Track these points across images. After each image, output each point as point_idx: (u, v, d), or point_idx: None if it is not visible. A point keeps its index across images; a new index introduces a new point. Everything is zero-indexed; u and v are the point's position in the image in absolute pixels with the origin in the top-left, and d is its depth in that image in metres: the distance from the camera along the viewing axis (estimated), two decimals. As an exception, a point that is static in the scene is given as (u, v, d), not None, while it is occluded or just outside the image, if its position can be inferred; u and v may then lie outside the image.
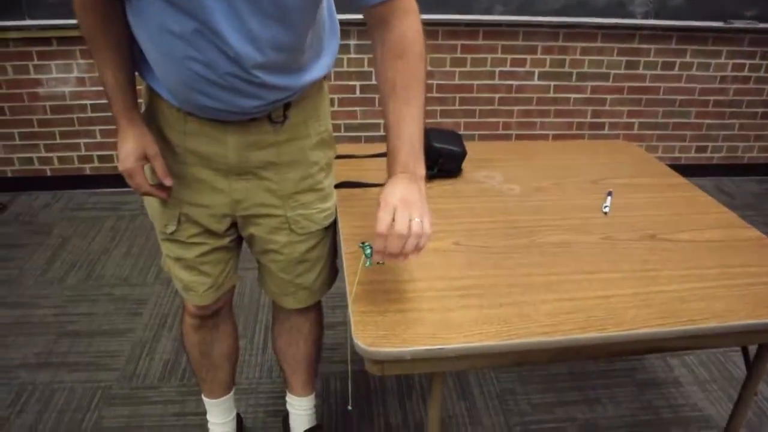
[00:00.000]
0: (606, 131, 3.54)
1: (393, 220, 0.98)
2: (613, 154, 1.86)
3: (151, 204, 1.31)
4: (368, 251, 1.05)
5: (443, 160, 1.55)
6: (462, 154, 1.57)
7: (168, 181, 1.20)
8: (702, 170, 3.67)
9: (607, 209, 1.47)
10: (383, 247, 0.98)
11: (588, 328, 1.05)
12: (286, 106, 1.19)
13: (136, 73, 1.19)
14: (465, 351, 1.00)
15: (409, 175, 1.06)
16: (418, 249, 0.99)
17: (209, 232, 1.31)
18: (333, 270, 1.48)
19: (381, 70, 1.11)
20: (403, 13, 1.08)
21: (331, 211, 1.36)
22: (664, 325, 1.07)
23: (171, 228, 1.30)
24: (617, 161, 1.79)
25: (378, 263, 1.07)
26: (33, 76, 3.07)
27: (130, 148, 1.17)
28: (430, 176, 1.56)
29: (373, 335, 1.00)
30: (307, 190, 1.29)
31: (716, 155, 3.70)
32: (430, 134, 1.59)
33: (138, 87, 1.19)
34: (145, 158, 1.19)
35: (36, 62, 3.04)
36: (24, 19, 2.85)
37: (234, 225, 1.33)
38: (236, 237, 1.38)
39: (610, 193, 1.54)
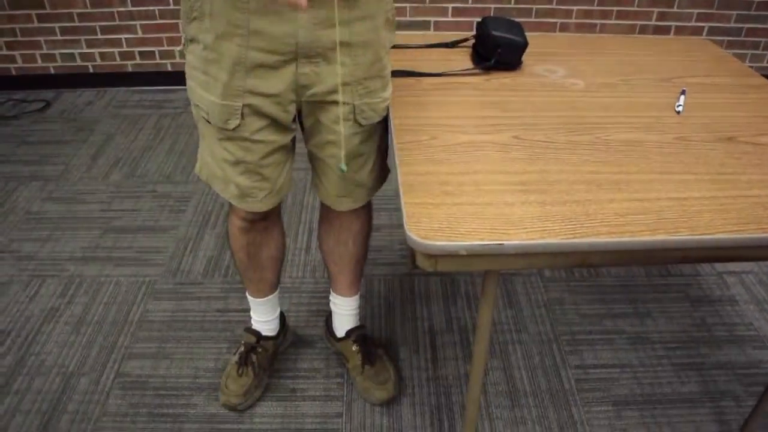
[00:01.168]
0: (671, 36, 3.29)
1: None
2: (687, 51, 1.70)
3: (207, 98, 1.18)
4: None
5: (502, 50, 1.43)
6: (523, 45, 1.44)
7: None
8: (774, 81, 3.43)
9: (680, 108, 1.35)
10: None
11: (658, 231, 0.96)
12: None
13: None
14: (526, 248, 0.92)
15: None
16: None
17: (275, 125, 1.21)
18: (384, 165, 1.40)
19: None
20: None
21: (389, 101, 1.28)
22: (744, 232, 0.97)
23: (234, 122, 1.17)
24: (691, 59, 1.63)
25: None
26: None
27: None
28: (488, 67, 1.45)
29: (427, 228, 0.93)
30: (375, 75, 1.20)
31: (791, 65, 3.43)
32: (488, 22, 1.46)
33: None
34: None
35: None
36: None
37: (297, 115, 1.24)
38: (294, 135, 1.29)
39: (683, 92, 1.41)
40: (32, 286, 1.98)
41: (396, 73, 1.38)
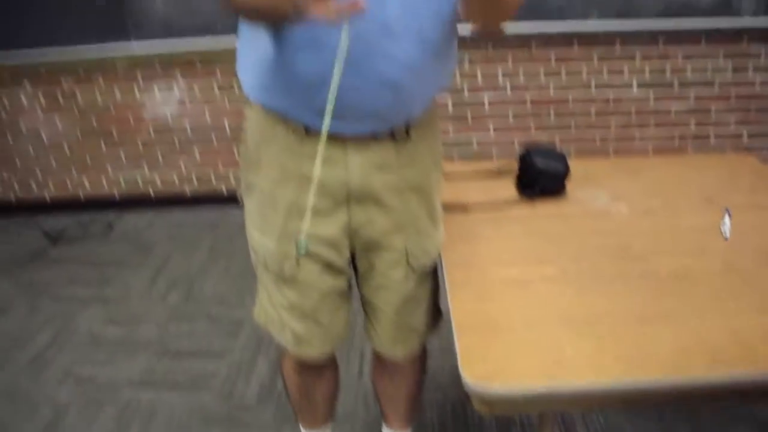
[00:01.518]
0: (712, 142, 3.33)
1: None
2: (727, 168, 1.72)
3: (264, 243, 1.21)
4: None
5: (545, 179, 1.48)
6: (565, 173, 1.50)
7: None
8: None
9: (726, 232, 1.35)
10: None
11: (716, 363, 0.95)
12: (407, 126, 1.13)
13: (247, 97, 1.15)
14: (582, 392, 0.93)
15: None
16: None
17: (330, 269, 1.22)
18: (437, 309, 1.40)
19: None
20: None
21: (441, 240, 1.29)
22: (806, 364, 0.96)
23: (289, 266, 1.19)
24: (732, 176, 1.65)
25: None
26: (138, 98, 3.22)
27: None
28: (532, 195, 1.50)
29: (481, 371, 0.95)
30: (425, 216, 1.22)
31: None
32: (531, 153, 1.53)
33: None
34: None
35: (141, 85, 3.19)
36: (129, 39, 2.97)
37: (352, 259, 1.26)
38: (350, 281, 1.30)
39: (728, 213, 1.42)
40: (90, 411, 2.03)
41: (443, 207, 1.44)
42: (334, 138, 1.05)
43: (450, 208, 1.46)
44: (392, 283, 1.26)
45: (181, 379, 2.16)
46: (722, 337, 1.02)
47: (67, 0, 2.90)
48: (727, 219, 1.39)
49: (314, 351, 1.32)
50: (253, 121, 1.17)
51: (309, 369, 1.44)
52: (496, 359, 0.97)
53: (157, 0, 2.89)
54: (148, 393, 2.10)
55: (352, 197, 1.15)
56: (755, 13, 2.93)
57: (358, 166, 1.12)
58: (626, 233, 1.36)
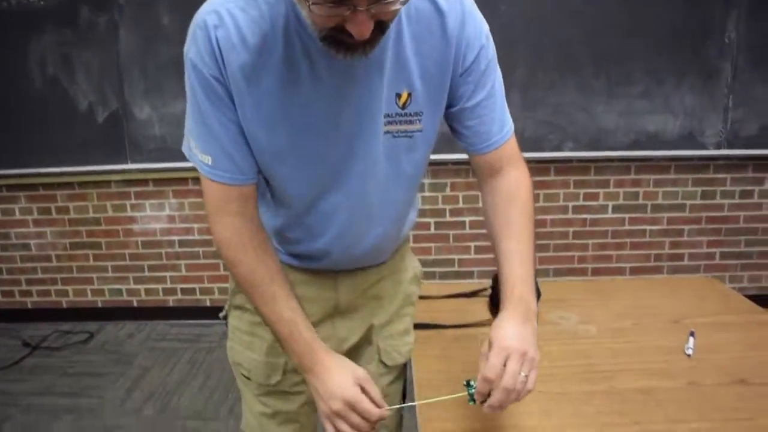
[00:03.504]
0: (686, 262, 3.43)
1: (504, 366, 0.94)
2: (695, 291, 1.79)
3: (250, 357, 1.25)
4: (472, 390, 0.98)
5: (516, 300, 1.54)
6: (536, 295, 1.55)
7: (385, 407, 1.05)
8: (795, 303, 3.47)
9: (690, 351, 1.41)
10: (487, 392, 0.94)
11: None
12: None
13: None
14: None
15: (523, 311, 1.01)
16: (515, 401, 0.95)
17: None
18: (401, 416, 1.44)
19: (493, 213, 1.14)
20: (513, 161, 1.14)
21: (412, 346, 1.36)
22: (764, 484, 0.99)
23: (276, 378, 1.24)
24: (700, 298, 1.72)
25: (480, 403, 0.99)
26: (129, 213, 3.32)
27: (343, 378, 1.03)
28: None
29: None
30: (397, 321, 1.31)
31: (809, 286, 3.50)
32: (502, 274, 1.59)
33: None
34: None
35: (133, 201, 3.30)
36: (126, 162, 3.12)
37: None
38: None
39: (692, 334, 1.48)
40: None
41: (417, 326, 1.48)
42: (326, 270, 1.18)
43: (423, 327, 1.51)
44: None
45: (152, 498, 2.10)
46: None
47: (71, 122, 3.07)
48: (691, 339, 1.45)
49: None
50: None
51: None
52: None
53: (155, 126, 3.06)
54: None
55: (337, 311, 1.24)
56: (719, 146, 3.13)
57: (347, 290, 1.22)
58: (594, 354, 1.40)
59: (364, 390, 1.03)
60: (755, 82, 3.05)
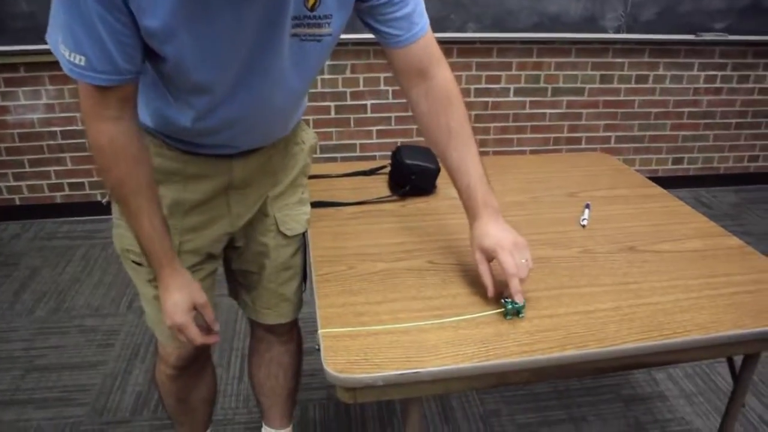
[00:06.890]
0: (583, 145, 3.54)
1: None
2: (590, 166, 1.83)
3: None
4: (509, 307, 1.07)
5: (416, 177, 1.51)
6: (435, 171, 1.53)
7: (216, 326, 1.18)
8: (679, 182, 3.68)
9: (585, 222, 1.44)
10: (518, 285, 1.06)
11: (567, 346, 1.01)
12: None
13: None
14: (440, 374, 0.95)
15: (493, 212, 1.13)
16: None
17: (208, 257, 1.27)
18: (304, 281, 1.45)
19: (432, 119, 1.16)
20: (438, 59, 1.15)
21: (309, 216, 1.35)
22: (647, 340, 1.03)
23: None
24: (594, 173, 1.76)
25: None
26: (0, 103, 3.00)
27: (178, 300, 1.12)
28: (403, 193, 1.53)
29: (344, 361, 0.95)
30: (291, 192, 1.31)
31: (692, 167, 3.71)
32: (402, 151, 1.55)
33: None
34: (194, 308, 1.14)
35: (4, 89, 2.98)
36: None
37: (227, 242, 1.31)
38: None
39: (587, 206, 1.51)
40: (-56, 437, 1.87)
41: (314, 204, 1.44)
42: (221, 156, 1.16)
43: (321, 205, 1.47)
44: (266, 249, 1.31)
45: (49, 396, 2.02)
46: (576, 318, 1.08)
47: None
48: (586, 211, 1.48)
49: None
50: None
51: (186, 372, 1.41)
52: (359, 350, 0.98)
53: (22, 1, 2.71)
54: (12, 413, 1.95)
55: (231, 187, 1.22)
56: (618, 30, 3.15)
57: (241, 170, 1.20)
58: (492, 226, 1.41)
59: (203, 308, 1.15)
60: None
